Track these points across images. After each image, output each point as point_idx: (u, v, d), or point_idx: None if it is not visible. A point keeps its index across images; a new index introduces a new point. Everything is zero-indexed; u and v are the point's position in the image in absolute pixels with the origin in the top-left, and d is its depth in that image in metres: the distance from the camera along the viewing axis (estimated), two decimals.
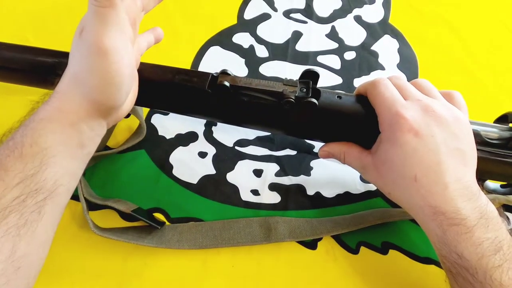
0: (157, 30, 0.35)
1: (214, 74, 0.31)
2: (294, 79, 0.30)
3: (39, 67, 0.32)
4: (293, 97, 0.29)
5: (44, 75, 0.32)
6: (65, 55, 0.30)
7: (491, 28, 0.50)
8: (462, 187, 0.26)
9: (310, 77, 0.30)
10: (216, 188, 0.37)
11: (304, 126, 0.32)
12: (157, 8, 0.46)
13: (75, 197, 0.34)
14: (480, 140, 0.30)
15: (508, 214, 0.38)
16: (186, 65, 0.44)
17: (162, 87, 0.31)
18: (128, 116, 0.35)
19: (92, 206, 0.34)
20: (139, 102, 0.32)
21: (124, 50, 0.25)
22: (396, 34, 0.48)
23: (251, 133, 0.40)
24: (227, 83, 0.29)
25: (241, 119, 0.33)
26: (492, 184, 0.38)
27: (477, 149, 0.29)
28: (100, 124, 0.27)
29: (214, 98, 0.30)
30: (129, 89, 0.28)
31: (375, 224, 0.35)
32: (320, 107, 0.29)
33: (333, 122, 0.31)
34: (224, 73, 0.30)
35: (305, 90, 0.30)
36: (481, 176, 0.32)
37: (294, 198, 0.37)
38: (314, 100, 0.29)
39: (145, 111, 0.41)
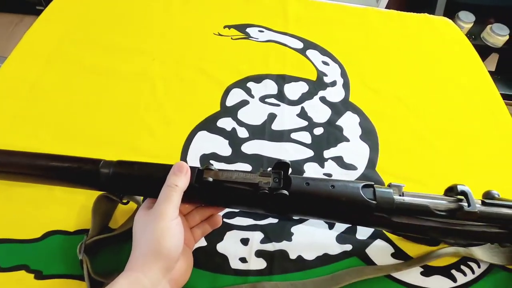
0: (214, 219, 0.39)
1: (200, 168, 0.35)
2: (268, 170, 0.35)
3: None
4: (267, 188, 0.33)
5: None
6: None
7: (435, 94, 0.60)
8: None
9: (282, 168, 0.35)
10: (207, 258, 0.41)
11: (279, 208, 0.36)
12: (150, 98, 0.54)
13: (80, 277, 0.37)
14: (430, 212, 0.34)
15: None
16: (178, 147, 0.50)
17: (158, 182, 0.34)
18: (127, 203, 0.40)
19: (96, 284, 0.37)
20: (143, 193, 0.38)
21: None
22: (356, 110, 0.57)
23: None
24: (210, 179, 0.34)
25: (225, 204, 0.38)
26: None
27: (428, 220, 0.34)
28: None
29: (201, 190, 0.35)
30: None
31: (352, 282, 0.39)
32: (291, 192, 0.34)
33: (302, 203, 0.35)
34: (208, 168, 0.35)
35: (277, 180, 0.34)
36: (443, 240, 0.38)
37: (278, 263, 0.41)
38: (285, 192, 0.33)
39: None
